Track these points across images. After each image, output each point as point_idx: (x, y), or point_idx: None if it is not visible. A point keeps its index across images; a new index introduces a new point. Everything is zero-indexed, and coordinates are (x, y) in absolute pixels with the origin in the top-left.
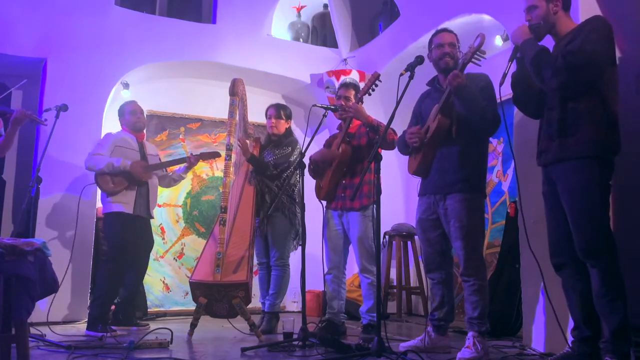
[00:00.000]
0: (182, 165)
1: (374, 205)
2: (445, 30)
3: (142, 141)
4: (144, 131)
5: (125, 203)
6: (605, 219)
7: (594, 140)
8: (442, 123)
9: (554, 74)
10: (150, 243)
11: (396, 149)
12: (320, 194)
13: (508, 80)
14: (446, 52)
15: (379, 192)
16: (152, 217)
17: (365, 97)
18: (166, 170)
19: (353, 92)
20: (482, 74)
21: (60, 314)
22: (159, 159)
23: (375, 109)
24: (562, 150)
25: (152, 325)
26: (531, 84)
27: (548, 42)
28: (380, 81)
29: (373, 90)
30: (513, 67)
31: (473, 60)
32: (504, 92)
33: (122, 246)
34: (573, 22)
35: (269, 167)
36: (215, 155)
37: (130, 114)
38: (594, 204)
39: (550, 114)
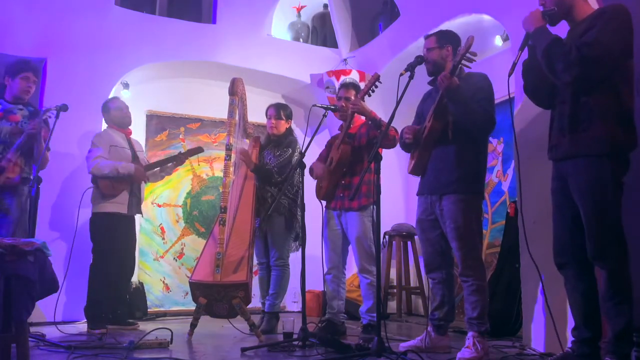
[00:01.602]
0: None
1: (373, 206)
2: (426, 36)
3: (129, 138)
4: (130, 127)
5: (120, 203)
6: (617, 219)
7: (606, 137)
8: (434, 124)
9: (567, 68)
10: (135, 240)
11: (398, 146)
12: (319, 193)
13: (516, 72)
14: (426, 59)
15: (378, 192)
16: (141, 213)
17: (366, 98)
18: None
19: (353, 92)
20: (481, 74)
21: (60, 314)
22: (144, 154)
23: (375, 109)
24: (572, 146)
25: (152, 325)
26: (542, 72)
27: (562, 26)
28: (380, 82)
29: (373, 91)
30: (524, 55)
31: (463, 62)
32: (511, 88)
33: (112, 245)
34: (590, 6)
35: (273, 175)
36: (198, 150)
37: (116, 109)
38: (605, 203)
39: (562, 108)
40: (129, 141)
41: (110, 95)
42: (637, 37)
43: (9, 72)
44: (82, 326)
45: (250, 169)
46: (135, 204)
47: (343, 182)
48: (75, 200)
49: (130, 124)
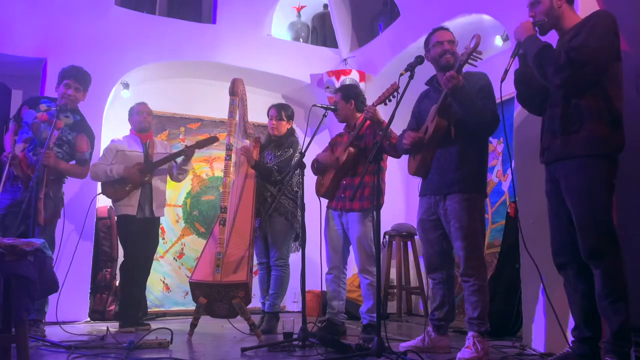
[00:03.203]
0: (181, 159)
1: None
2: (442, 28)
3: (147, 142)
4: (151, 131)
5: (130, 206)
6: (610, 219)
7: (597, 138)
8: (440, 124)
9: (557, 71)
10: (155, 243)
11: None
12: (320, 190)
13: (509, 77)
14: (446, 49)
15: (379, 192)
16: (162, 215)
17: (368, 99)
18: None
19: (340, 96)
20: (481, 73)
21: (61, 314)
22: None
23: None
24: (564, 148)
25: (152, 325)
26: (534, 80)
27: (552, 36)
28: (397, 92)
29: (390, 100)
30: (515, 64)
31: (469, 61)
32: (505, 91)
33: (130, 247)
34: (578, 16)
35: (272, 173)
36: (213, 140)
37: (137, 113)
38: (598, 203)
39: (554, 111)
40: (147, 145)
41: (110, 95)
42: (635, 38)
43: (57, 78)
44: (82, 326)
45: (251, 165)
46: (147, 206)
47: (344, 182)
48: (75, 200)
49: (148, 129)
